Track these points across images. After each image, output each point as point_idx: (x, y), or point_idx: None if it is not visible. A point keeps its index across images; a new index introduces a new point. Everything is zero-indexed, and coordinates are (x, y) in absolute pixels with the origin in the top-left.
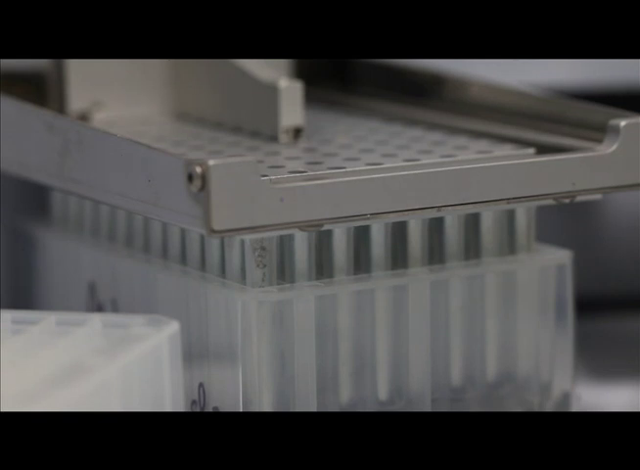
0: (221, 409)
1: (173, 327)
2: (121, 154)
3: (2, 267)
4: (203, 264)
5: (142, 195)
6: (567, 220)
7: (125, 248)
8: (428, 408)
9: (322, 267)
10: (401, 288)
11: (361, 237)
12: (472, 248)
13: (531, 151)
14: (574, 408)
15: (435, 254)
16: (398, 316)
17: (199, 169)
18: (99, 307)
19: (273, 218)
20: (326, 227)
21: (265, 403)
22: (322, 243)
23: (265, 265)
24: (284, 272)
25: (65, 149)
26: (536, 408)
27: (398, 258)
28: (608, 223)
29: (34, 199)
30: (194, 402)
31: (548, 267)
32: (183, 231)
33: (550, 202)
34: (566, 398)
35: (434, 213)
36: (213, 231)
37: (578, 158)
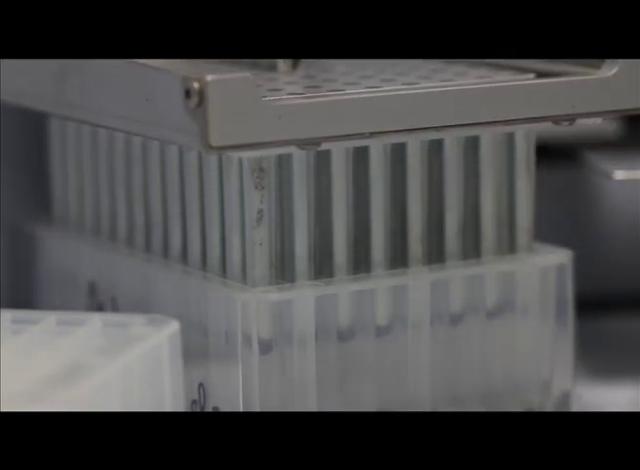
0: (221, 409)
1: (173, 327)
2: (118, 74)
3: (2, 267)
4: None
5: (140, 115)
6: (567, 220)
7: (126, 247)
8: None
9: (322, 266)
10: (401, 288)
11: (361, 233)
12: (471, 244)
13: (531, 76)
14: (574, 408)
15: (435, 252)
16: (398, 316)
17: (196, 85)
18: (99, 307)
19: (271, 136)
20: (324, 147)
21: (265, 403)
22: (322, 239)
23: (264, 187)
24: (284, 271)
25: (62, 74)
26: (536, 408)
27: (399, 256)
28: (608, 223)
29: (34, 199)
30: (194, 402)
31: (548, 267)
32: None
33: (549, 124)
34: (566, 397)
35: (432, 134)
36: (211, 147)
37: (578, 80)
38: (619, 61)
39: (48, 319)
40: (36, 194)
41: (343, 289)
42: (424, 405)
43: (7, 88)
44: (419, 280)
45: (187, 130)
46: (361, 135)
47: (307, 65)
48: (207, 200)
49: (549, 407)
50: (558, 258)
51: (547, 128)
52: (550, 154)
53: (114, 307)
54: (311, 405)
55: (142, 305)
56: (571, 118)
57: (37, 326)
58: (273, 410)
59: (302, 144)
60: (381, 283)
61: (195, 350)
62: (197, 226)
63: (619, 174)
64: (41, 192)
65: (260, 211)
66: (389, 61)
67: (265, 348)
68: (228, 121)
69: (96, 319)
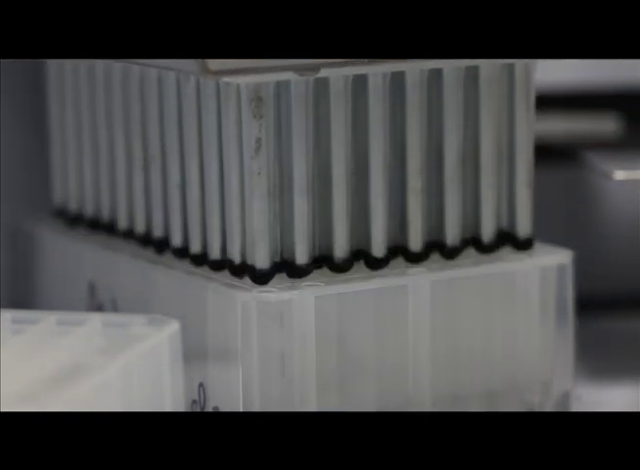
0: (221, 409)
1: (173, 327)
2: None
3: (2, 267)
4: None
5: None
6: (567, 220)
7: (125, 243)
8: (427, 407)
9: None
10: (401, 288)
11: (362, 231)
12: (472, 244)
13: None
14: (574, 408)
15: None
16: (398, 316)
17: None
18: (99, 307)
19: (269, 60)
20: (322, 74)
21: (265, 403)
22: (322, 238)
23: (262, 117)
24: (284, 271)
25: None
26: (536, 408)
27: (399, 256)
28: (608, 223)
29: (34, 199)
30: (194, 402)
31: (548, 267)
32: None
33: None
34: (566, 397)
35: (431, 63)
36: (209, 72)
37: None
38: None
39: (48, 319)
40: (37, 194)
41: (343, 289)
42: (424, 401)
43: None
44: (419, 280)
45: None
46: (360, 61)
47: None
48: (206, 131)
49: (549, 407)
50: (558, 258)
51: (547, 128)
52: (550, 154)
53: (114, 308)
54: (311, 405)
55: (142, 305)
56: None
57: (37, 326)
58: (273, 410)
59: (301, 70)
60: (381, 282)
61: (195, 350)
62: (195, 159)
63: (619, 174)
64: (42, 191)
65: (259, 141)
66: None
67: (265, 347)
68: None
69: (96, 319)
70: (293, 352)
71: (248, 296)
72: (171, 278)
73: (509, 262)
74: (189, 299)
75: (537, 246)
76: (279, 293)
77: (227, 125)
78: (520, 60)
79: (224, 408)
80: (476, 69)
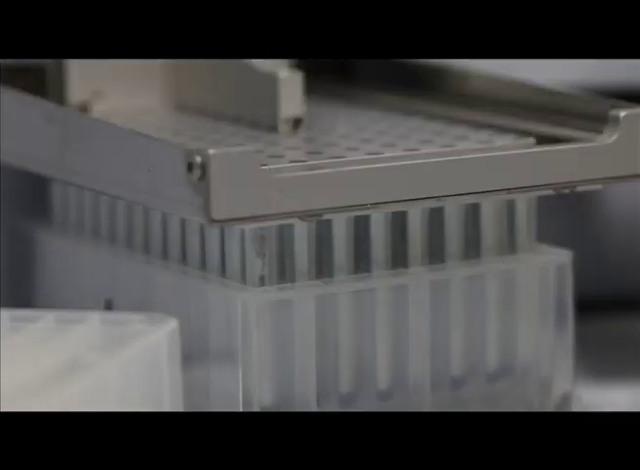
0: (221, 409)
1: (172, 324)
2: (121, 144)
3: (2, 267)
4: (203, 261)
5: (142, 185)
6: (567, 220)
7: (125, 247)
8: (427, 404)
9: (322, 266)
10: (401, 288)
11: (361, 233)
12: (472, 245)
13: (532, 140)
14: (575, 408)
15: (436, 252)
16: (398, 316)
17: (198, 159)
18: (98, 308)
19: (273, 208)
20: (326, 217)
21: (265, 403)
22: (322, 239)
23: (265, 255)
24: (284, 271)
25: (64, 139)
26: (537, 408)
27: (399, 256)
28: (608, 223)
29: (34, 199)
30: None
31: (548, 267)
32: (183, 229)
33: (550, 192)
34: (566, 398)
35: (433, 203)
36: (213, 221)
37: (578, 148)
38: (620, 127)
39: (47, 318)
40: (36, 194)
41: (343, 289)
42: (424, 396)
43: (8, 151)
44: (419, 280)
45: (189, 203)
46: (362, 207)
47: (308, 126)
48: (209, 277)
49: (549, 407)
50: (558, 258)
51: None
52: None
53: (114, 308)
54: (311, 405)
55: (142, 305)
56: (572, 186)
57: (36, 324)
58: (273, 410)
59: (304, 216)
60: (381, 283)
61: (195, 349)
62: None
63: None
64: (41, 192)
65: (262, 279)
66: (390, 121)
67: (265, 347)
68: (230, 195)
69: (94, 318)
70: (293, 351)
71: (248, 295)
72: (171, 278)
73: (509, 263)
74: (189, 299)
75: (537, 246)
76: (279, 292)
77: (231, 269)
78: (521, 196)
79: (224, 408)
80: (477, 210)
